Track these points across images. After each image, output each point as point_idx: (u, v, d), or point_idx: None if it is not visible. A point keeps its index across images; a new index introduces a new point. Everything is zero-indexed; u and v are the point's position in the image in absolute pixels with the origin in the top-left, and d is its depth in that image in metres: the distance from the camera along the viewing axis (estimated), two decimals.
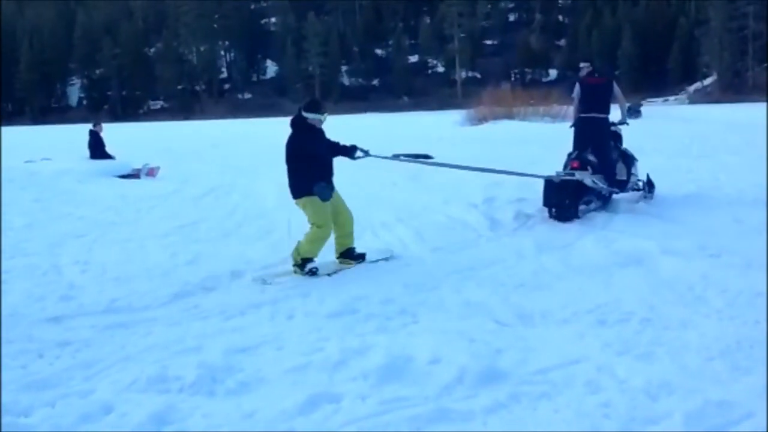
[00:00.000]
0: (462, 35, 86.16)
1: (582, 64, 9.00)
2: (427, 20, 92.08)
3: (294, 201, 6.34)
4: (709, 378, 3.71)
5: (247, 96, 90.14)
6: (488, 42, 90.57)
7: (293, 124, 6.29)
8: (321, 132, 6.33)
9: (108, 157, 15.45)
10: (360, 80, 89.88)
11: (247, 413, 3.42)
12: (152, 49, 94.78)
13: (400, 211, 9.00)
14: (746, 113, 32.17)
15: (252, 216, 9.27)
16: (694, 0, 73.51)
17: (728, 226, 7.38)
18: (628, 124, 8.87)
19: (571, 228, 7.64)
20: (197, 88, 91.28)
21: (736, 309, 4.79)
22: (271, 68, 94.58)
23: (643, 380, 3.66)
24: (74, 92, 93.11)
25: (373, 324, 4.73)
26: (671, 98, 68.91)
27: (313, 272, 6.09)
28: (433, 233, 7.68)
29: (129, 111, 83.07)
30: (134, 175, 13.92)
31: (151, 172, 14.20)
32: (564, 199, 7.78)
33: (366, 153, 6.74)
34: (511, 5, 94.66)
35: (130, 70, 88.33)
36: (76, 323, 4.91)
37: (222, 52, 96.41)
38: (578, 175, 7.90)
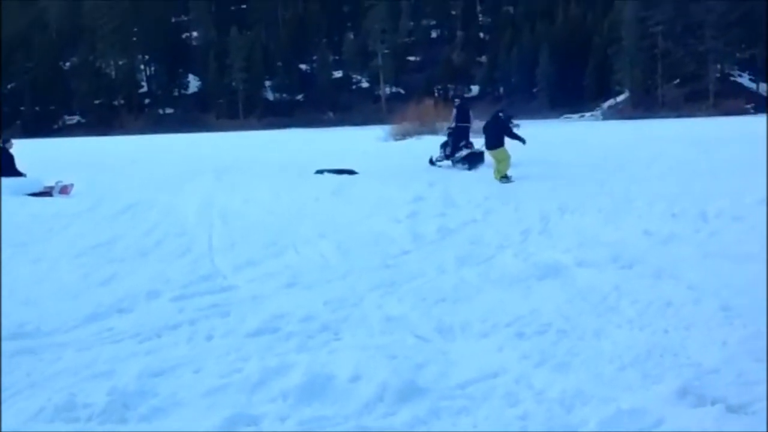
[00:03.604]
0: (386, 51, 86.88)
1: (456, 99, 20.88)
2: (351, 36, 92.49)
3: (489, 152, 14.22)
4: (622, 386, 3.82)
5: (169, 111, 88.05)
6: (411, 58, 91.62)
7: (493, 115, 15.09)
8: None
9: (18, 174, 14.76)
10: (284, 95, 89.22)
11: None
12: (68, 63, 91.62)
13: (323, 225, 8.96)
14: (656, 128, 33.65)
15: (172, 234, 9.03)
16: (608, 20, 76.31)
17: (639, 238, 7.66)
18: (459, 128, 17.23)
19: (492, 241, 7.80)
20: (116, 102, 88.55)
21: (647, 318, 4.96)
22: (194, 83, 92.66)
23: (559, 391, 3.74)
24: None
25: (293, 342, 4.67)
26: (587, 114, 71.42)
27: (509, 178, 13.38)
28: (356, 248, 7.68)
29: (43, 126, 79.44)
30: (46, 192, 13.33)
31: (65, 190, 13.62)
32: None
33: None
34: (433, 22, 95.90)
35: (44, 84, 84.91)
36: None
37: (142, 66, 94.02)
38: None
